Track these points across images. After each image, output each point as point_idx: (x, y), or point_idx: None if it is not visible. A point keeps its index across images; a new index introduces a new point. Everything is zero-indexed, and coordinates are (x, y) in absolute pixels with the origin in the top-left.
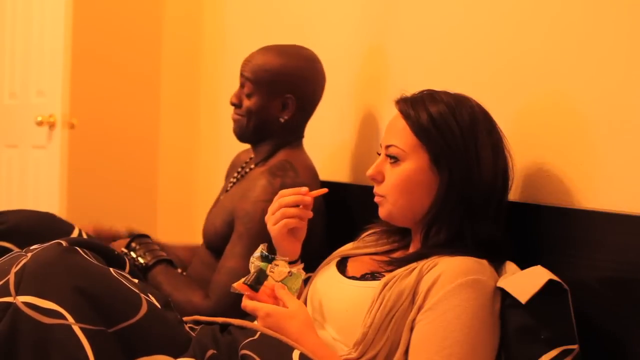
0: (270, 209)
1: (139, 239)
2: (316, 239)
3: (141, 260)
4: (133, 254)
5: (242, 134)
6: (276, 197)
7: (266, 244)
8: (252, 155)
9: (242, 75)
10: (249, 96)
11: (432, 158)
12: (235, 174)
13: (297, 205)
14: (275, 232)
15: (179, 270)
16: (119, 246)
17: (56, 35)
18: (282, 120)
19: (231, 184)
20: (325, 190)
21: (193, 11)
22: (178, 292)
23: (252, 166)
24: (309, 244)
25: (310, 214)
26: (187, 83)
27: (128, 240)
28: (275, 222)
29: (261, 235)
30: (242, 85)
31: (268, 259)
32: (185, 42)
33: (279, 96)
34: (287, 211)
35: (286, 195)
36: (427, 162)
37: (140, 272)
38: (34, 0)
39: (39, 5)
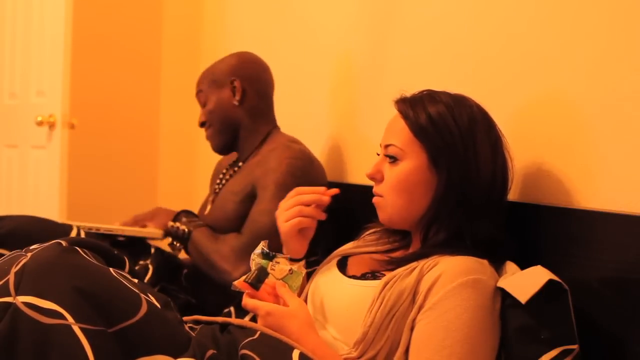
0: (284, 205)
1: (187, 213)
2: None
3: (183, 228)
4: (178, 224)
5: (217, 143)
6: (292, 194)
7: (267, 241)
8: (235, 159)
9: (196, 95)
10: (205, 105)
11: (430, 158)
12: (222, 175)
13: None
14: (287, 229)
15: None
16: (166, 219)
17: (56, 35)
18: (236, 103)
19: (225, 180)
20: (337, 190)
21: (193, 11)
22: (216, 243)
23: (240, 164)
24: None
25: (323, 216)
26: (187, 83)
27: (173, 215)
28: (288, 218)
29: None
30: (201, 105)
31: (269, 256)
32: (185, 42)
33: (225, 86)
34: (304, 209)
35: (305, 193)
36: (425, 161)
37: (182, 240)
38: (34, 1)
39: (39, 6)
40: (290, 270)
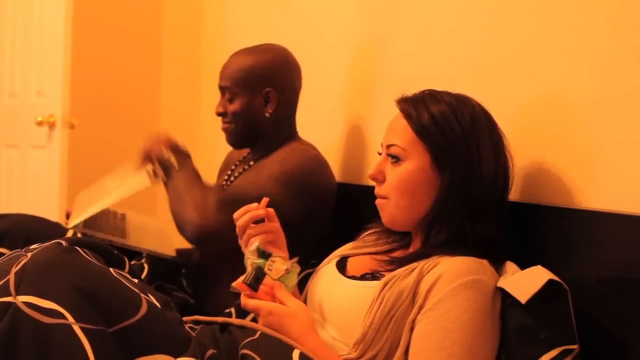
0: (238, 233)
1: (182, 151)
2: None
3: (174, 161)
4: (171, 154)
5: (235, 140)
6: (235, 220)
7: (261, 238)
8: (246, 154)
9: (220, 86)
10: (231, 101)
11: (433, 157)
12: (231, 170)
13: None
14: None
15: None
16: (162, 144)
17: (56, 35)
18: (267, 114)
19: (234, 177)
20: (266, 199)
21: (193, 10)
22: (195, 188)
23: (251, 163)
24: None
25: (273, 225)
26: (187, 83)
27: (171, 143)
28: (245, 245)
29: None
30: (223, 94)
31: (265, 255)
32: (185, 42)
33: (259, 92)
34: (250, 232)
35: (240, 216)
36: (428, 161)
37: (166, 170)
38: (34, 1)
39: (39, 6)
40: (286, 269)
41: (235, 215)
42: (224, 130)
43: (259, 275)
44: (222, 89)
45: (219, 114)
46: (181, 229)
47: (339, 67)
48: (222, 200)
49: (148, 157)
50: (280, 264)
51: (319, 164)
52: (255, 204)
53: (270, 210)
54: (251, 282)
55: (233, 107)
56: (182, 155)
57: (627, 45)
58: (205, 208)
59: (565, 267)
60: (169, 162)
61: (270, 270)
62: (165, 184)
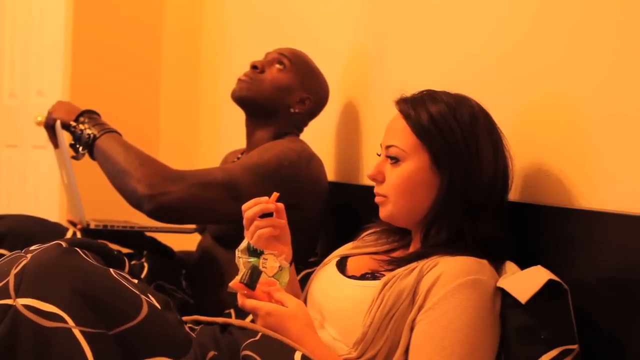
0: (245, 224)
1: (88, 113)
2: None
3: (89, 132)
4: (81, 127)
5: (242, 96)
6: (243, 211)
7: (251, 236)
8: (242, 152)
9: (280, 54)
10: (279, 70)
11: (432, 158)
12: None
13: (270, 214)
14: (256, 244)
15: None
16: (67, 116)
17: (56, 35)
18: (291, 110)
19: None
20: (277, 194)
21: (193, 11)
22: (141, 155)
23: (240, 155)
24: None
25: (281, 221)
26: (187, 83)
27: (74, 114)
28: (250, 236)
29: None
30: (275, 61)
31: (257, 253)
32: (185, 43)
33: (303, 90)
34: (258, 224)
35: (249, 208)
36: (427, 162)
37: (87, 145)
38: (34, 0)
39: (39, 6)
40: (279, 266)
41: (244, 206)
42: (241, 80)
43: (255, 273)
44: (279, 57)
45: (254, 67)
46: (132, 202)
47: (336, 67)
48: (182, 173)
49: (49, 129)
50: (273, 261)
51: (304, 158)
52: (265, 198)
53: (280, 205)
54: (248, 282)
55: (277, 75)
56: (91, 117)
57: (627, 45)
58: (152, 176)
59: (565, 267)
60: (85, 135)
61: (265, 267)
62: (91, 155)
